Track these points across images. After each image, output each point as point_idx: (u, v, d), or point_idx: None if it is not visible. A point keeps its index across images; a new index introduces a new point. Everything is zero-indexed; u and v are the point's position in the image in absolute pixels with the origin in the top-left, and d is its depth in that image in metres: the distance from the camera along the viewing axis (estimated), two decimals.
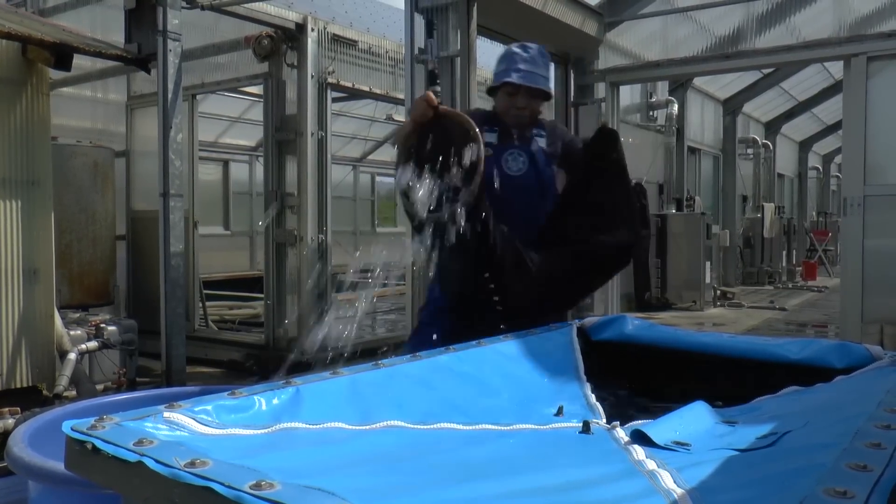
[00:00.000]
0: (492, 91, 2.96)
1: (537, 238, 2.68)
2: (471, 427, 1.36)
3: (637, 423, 1.37)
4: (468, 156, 2.36)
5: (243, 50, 6.90)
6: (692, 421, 1.35)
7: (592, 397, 1.60)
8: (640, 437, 1.26)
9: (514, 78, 2.77)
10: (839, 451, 1.00)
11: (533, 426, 1.41)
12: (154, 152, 5.74)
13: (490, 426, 1.38)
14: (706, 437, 1.29)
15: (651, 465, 1.11)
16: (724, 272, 13.01)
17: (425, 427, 1.31)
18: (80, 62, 6.12)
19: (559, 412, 1.48)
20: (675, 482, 1.01)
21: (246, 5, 6.14)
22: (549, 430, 1.40)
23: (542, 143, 2.94)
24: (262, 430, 1.21)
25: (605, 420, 1.44)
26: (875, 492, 0.87)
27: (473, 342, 1.80)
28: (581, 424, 1.38)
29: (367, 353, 2.24)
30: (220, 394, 1.28)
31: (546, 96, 2.87)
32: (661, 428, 1.29)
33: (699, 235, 10.65)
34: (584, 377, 1.70)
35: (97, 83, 7.83)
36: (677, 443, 1.23)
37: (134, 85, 7.48)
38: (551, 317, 2.37)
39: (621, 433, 1.31)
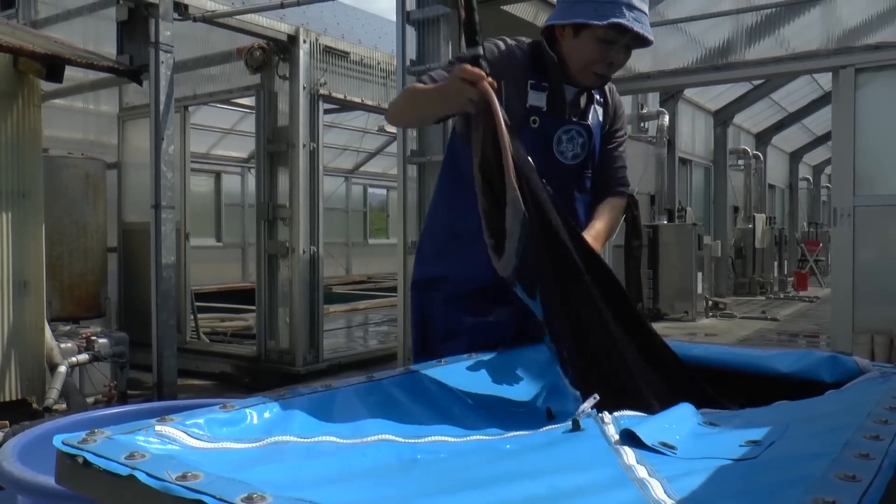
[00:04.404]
0: (553, 30, 2.02)
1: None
2: (462, 439, 1.36)
3: (625, 414, 1.40)
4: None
5: (235, 62, 6.91)
6: (679, 420, 1.37)
7: (566, 382, 1.60)
8: (629, 437, 1.27)
9: (628, 20, 1.87)
10: (828, 462, 1.01)
11: (523, 432, 1.41)
12: (146, 164, 5.74)
13: (481, 436, 1.39)
14: (694, 440, 1.30)
15: (642, 472, 1.12)
16: (715, 282, 13.06)
17: (417, 441, 1.32)
18: (72, 74, 6.12)
19: (549, 415, 1.49)
20: (665, 492, 1.01)
21: (238, 17, 6.16)
22: (540, 434, 1.40)
23: (600, 114, 2.15)
24: (254, 444, 1.21)
25: (590, 405, 1.45)
26: (863, 502, 0.88)
27: (464, 355, 1.81)
28: (570, 423, 1.38)
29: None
30: (211, 407, 1.28)
31: (646, 46, 1.98)
32: (650, 427, 1.31)
33: (691, 246, 10.70)
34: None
35: (89, 95, 7.82)
36: (664, 444, 1.24)
37: (126, 97, 7.48)
38: None
39: (611, 430, 1.32)
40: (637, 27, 1.87)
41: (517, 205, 1.61)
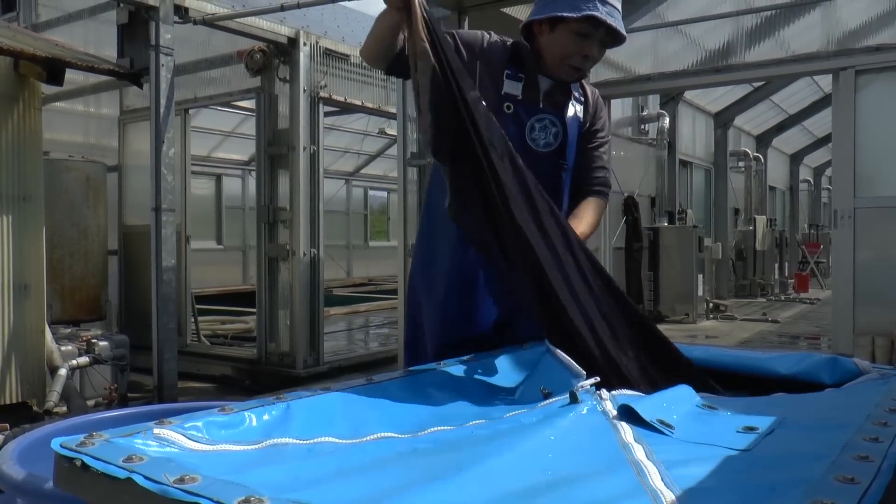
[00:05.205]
0: (531, 26, 2.13)
1: None
2: (460, 426, 1.36)
3: (623, 394, 1.41)
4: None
5: (236, 64, 6.92)
6: (677, 400, 1.37)
7: (567, 358, 1.60)
8: (627, 413, 1.27)
9: (601, 13, 1.99)
10: (827, 464, 1.01)
11: (521, 411, 1.41)
12: (146, 167, 5.74)
13: (479, 421, 1.38)
14: (691, 421, 1.31)
15: (639, 453, 1.12)
16: (716, 285, 13.05)
17: (415, 435, 1.31)
18: (73, 77, 6.13)
19: (546, 396, 1.49)
20: (662, 481, 1.01)
21: (238, 20, 6.16)
22: (537, 410, 1.39)
23: (579, 111, 2.21)
24: (253, 446, 1.21)
25: (589, 382, 1.45)
26: None
27: (463, 357, 1.81)
28: (567, 396, 1.38)
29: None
30: (210, 410, 1.28)
31: (619, 43, 2.10)
32: (648, 404, 1.32)
33: (691, 248, 10.69)
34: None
35: (89, 98, 7.82)
36: (662, 422, 1.24)
37: (126, 99, 7.48)
38: None
39: (609, 405, 1.32)
40: (610, 20, 1.99)
41: (426, 57, 1.65)
